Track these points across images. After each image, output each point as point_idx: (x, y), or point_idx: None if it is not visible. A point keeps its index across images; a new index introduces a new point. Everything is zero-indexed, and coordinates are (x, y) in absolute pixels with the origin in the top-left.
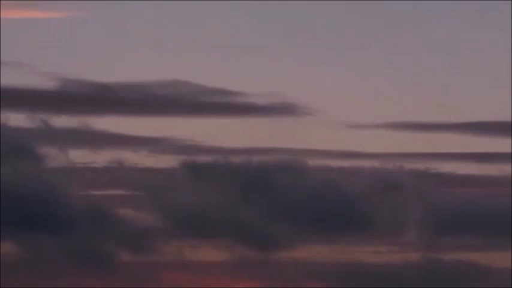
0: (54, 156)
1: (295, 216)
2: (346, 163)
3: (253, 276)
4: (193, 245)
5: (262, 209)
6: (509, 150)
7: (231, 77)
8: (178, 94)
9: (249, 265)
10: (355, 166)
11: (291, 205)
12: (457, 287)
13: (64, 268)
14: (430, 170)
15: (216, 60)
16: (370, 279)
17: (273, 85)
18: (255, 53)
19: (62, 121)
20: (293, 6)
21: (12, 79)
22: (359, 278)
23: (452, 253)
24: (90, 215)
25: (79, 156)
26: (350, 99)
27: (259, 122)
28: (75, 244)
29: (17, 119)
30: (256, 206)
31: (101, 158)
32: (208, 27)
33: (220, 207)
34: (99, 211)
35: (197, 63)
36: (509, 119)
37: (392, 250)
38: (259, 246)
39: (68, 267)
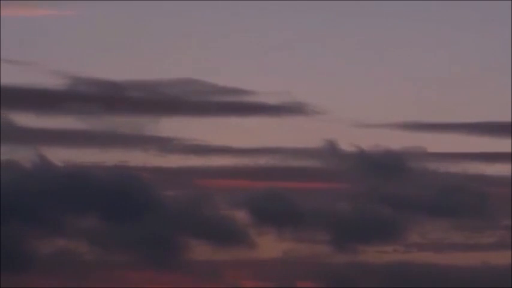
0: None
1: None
2: None
3: (318, 277)
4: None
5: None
6: (509, 150)
7: (242, 76)
8: (189, 92)
9: (315, 264)
10: None
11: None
12: None
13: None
14: (439, 169)
15: (227, 59)
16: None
17: (283, 84)
18: (265, 52)
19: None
20: (299, 7)
21: (20, 78)
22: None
23: None
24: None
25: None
26: (358, 99)
27: (269, 121)
28: (151, 241)
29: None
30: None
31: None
32: (219, 27)
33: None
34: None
35: (208, 62)
36: (509, 119)
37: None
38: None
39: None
